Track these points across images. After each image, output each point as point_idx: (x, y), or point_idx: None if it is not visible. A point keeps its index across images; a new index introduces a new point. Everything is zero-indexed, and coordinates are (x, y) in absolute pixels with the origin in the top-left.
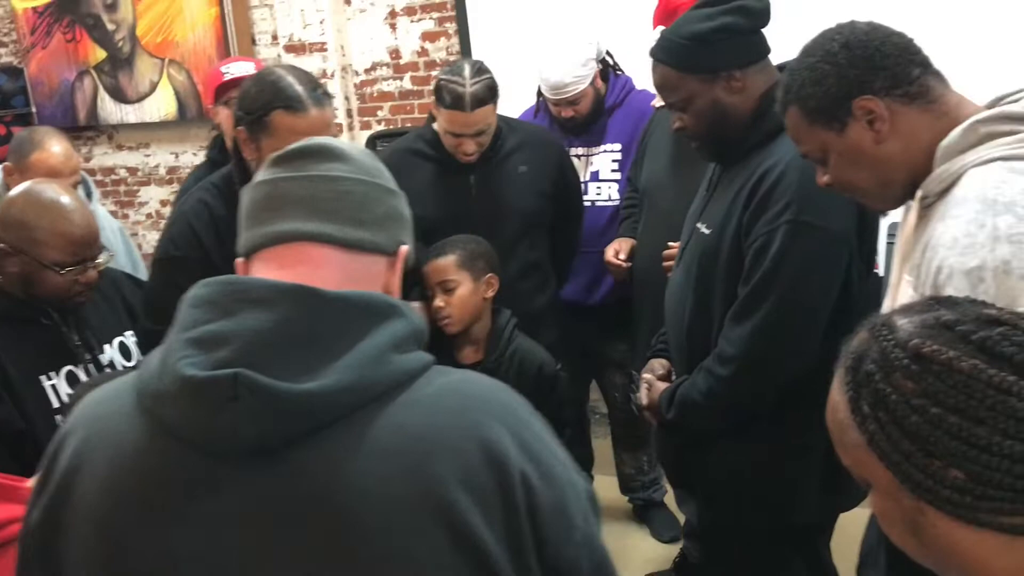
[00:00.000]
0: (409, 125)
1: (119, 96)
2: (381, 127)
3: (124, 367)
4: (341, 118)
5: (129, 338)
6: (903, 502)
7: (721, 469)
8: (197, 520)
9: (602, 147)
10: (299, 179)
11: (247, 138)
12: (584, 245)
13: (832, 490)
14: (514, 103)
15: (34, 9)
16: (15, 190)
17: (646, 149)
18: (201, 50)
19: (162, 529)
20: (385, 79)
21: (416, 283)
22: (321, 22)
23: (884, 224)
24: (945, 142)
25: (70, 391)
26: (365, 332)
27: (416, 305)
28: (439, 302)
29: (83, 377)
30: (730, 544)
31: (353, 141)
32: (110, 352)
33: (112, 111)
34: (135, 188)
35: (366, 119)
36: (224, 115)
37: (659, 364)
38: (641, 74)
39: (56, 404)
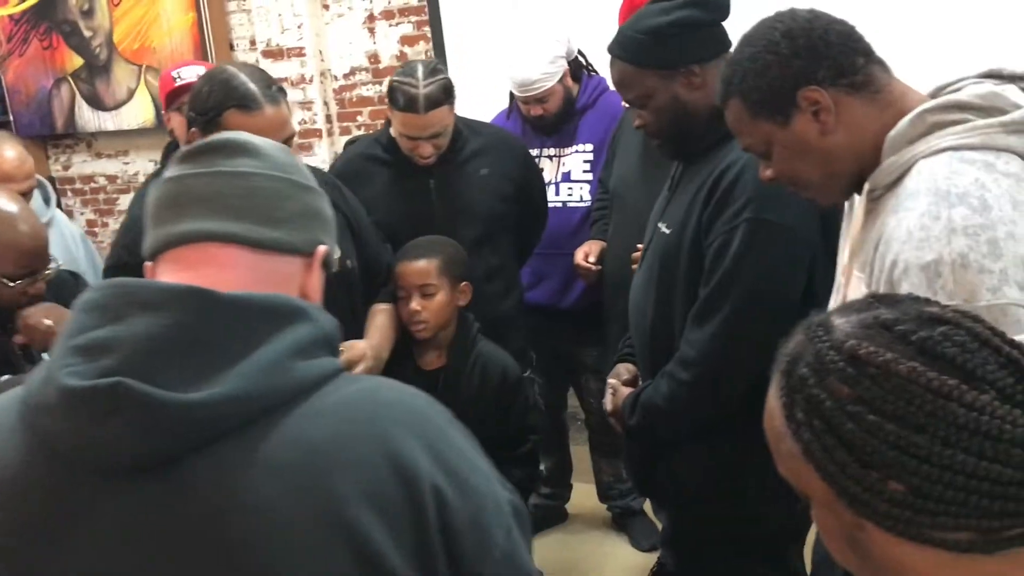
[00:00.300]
0: None
1: (97, 103)
2: (360, 132)
3: None
4: (320, 123)
5: None
6: (842, 516)
7: (687, 476)
8: (83, 542)
9: (574, 147)
10: (205, 176)
11: (200, 139)
12: (555, 247)
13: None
14: (490, 106)
15: (10, 16)
16: None
17: (616, 150)
18: (179, 56)
19: (50, 552)
20: (364, 84)
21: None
22: (299, 27)
23: None
24: (893, 133)
25: None
26: (264, 337)
27: (385, 307)
28: (416, 305)
29: None
30: (700, 553)
31: (332, 147)
32: None
33: (90, 119)
34: (114, 196)
35: (345, 124)
36: (177, 121)
37: (625, 369)
38: None
39: None
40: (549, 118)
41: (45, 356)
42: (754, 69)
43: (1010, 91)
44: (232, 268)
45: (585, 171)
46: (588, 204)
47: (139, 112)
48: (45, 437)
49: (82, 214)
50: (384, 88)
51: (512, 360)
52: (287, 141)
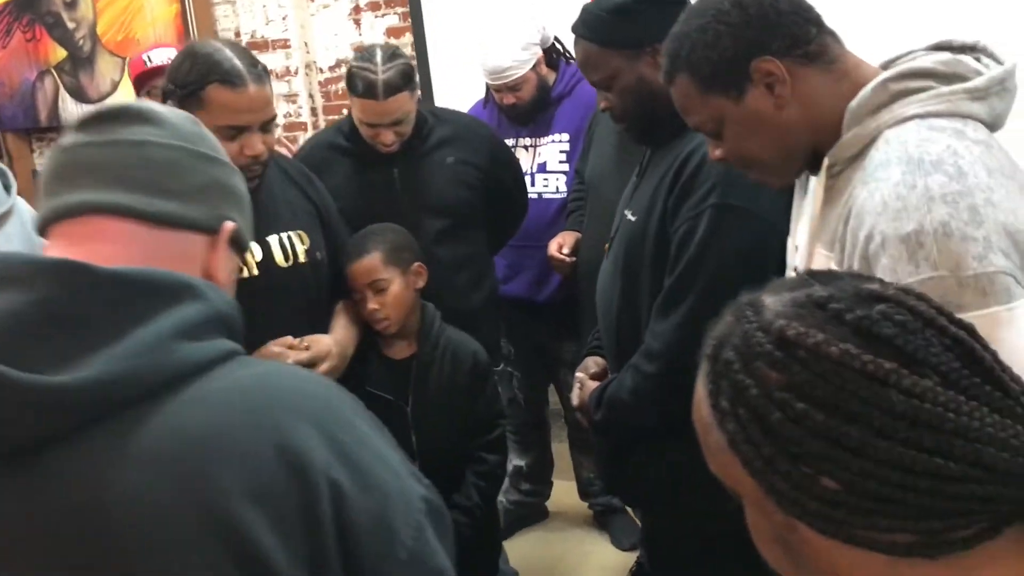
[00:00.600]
0: None
1: (80, 96)
2: None
3: None
4: (305, 116)
5: None
6: (772, 516)
7: (655, 473)
8: None
9: (549, 137)
10: (98, 144)
11: None
12: (531, 240)
13: None
14: (474, 97)
15: None
16: None
17: (593, 138)
18: None
19: None
20: None
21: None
22: (284, 18)
23: None
24: (854, 103)
25: None
26: (144, 316)
27: (350, 302)
28: (373, 304)
29: None
30: (676, 551)
31: None
32: None
33: (74, 111)
34: None
35: (331, 117)
36: None
37: (593, 362)
38: None
39: None
40: (523, 107)
41: None
42: (704, 40)
43: (967, 60)
44: (122, 243)
45: (561, 161)
46: (564, 196)
47: None
48: None
49: None
50: None
51: (480, 345)
52: (269, 123)
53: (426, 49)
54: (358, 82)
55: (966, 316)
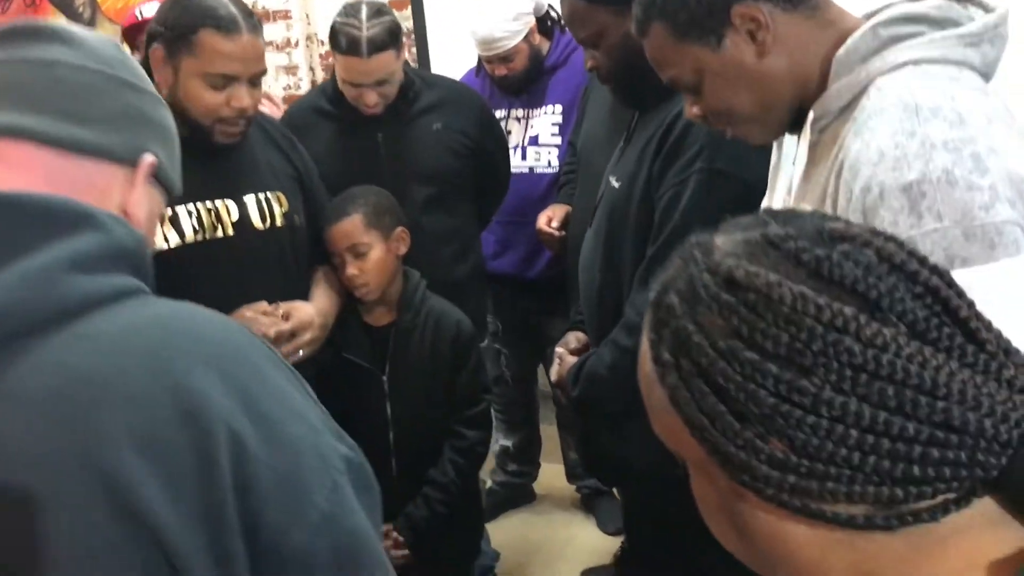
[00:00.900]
0: None
1: None
2: None
3: None
4: (305, 88)
5: None
6: (718, 482)
7: (633, 452)
8: None
9: (542, 108)
10: (3, 63)
11: (163, 57)
12: (521, 215)
13: None
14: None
15: None
16: None
17: (586, 109)
18: None
19: None
20: None
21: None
22: None
23: None
24: (842, 51)
25: None
26: (33, 244)
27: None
28: (352, 269)
29: None
30: (657, 534)
31: None
32: None
33: None
34: None
35: None
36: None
37: (574, 337)
38: None
39: None
40: (515, 78)
41: None
42: None
43: (957, 6)
44: (23, 168)
45: (554, 134)
46: (556, 171)
47: None
48: None
49: None
50: None
51: (464, 315)
52: (258, 77)
53: (424, 20)
54: (341, 38)
55: (973, 270)
